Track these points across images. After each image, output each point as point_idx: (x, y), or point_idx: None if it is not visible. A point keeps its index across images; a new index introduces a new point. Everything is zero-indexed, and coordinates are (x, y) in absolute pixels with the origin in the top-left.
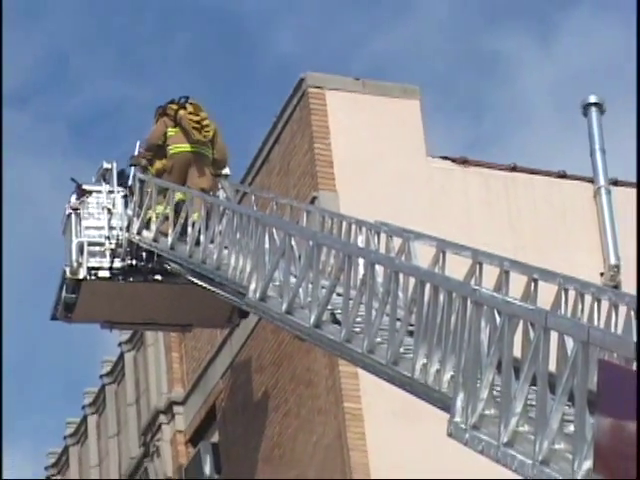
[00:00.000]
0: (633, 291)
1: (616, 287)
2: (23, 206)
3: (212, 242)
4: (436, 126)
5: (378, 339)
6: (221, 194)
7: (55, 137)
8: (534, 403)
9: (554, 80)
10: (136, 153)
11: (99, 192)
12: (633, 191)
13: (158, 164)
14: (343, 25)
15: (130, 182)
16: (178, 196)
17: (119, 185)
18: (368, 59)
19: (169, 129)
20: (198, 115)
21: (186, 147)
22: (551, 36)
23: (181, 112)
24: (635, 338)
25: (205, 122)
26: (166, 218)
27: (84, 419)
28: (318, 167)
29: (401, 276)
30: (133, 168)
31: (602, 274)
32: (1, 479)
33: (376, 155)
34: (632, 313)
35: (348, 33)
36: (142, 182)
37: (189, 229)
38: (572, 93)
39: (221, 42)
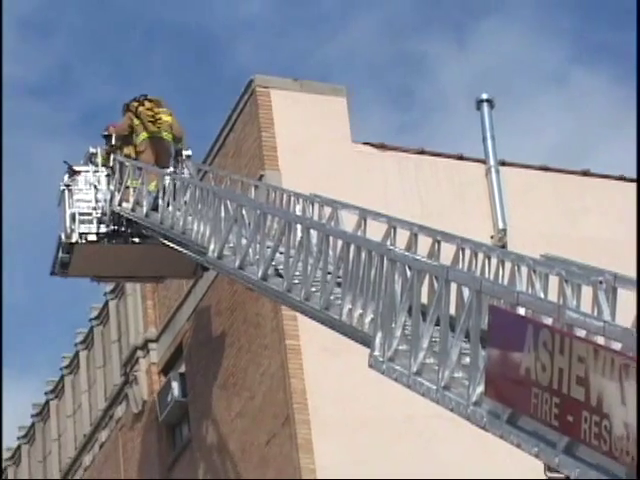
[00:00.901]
0: (520, 251)
1: (503, 247)
2: (37, 179)
3: (179, 210)
4: (371, 115)
5: (313, 289)
6: (186, 172)
7: (66, 124)
8: (438, 340)
9: (468, 77)
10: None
11: (87, 172)
12: (517, 170)
13: (126, 150)
14: (292, 38)
15: (111, 163)
16: (151, 175)
17: (102, 166)
18: (315, 63)
19: (134, 121)
20: (153, 110)
21: (145, 135)
22: (467, 40)
23: (140, 108)
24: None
25: (158, 115)
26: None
27: (76, 354)
28: (264, 151)
29: (331, 238)
30: (112, 153)
31: (492, 237)
32: (1, 479)
33: (311, 141)
34: (516, 268)
35: (296, 44)
36: (121, 164)
37: (159, 201)
38: (481, 89)
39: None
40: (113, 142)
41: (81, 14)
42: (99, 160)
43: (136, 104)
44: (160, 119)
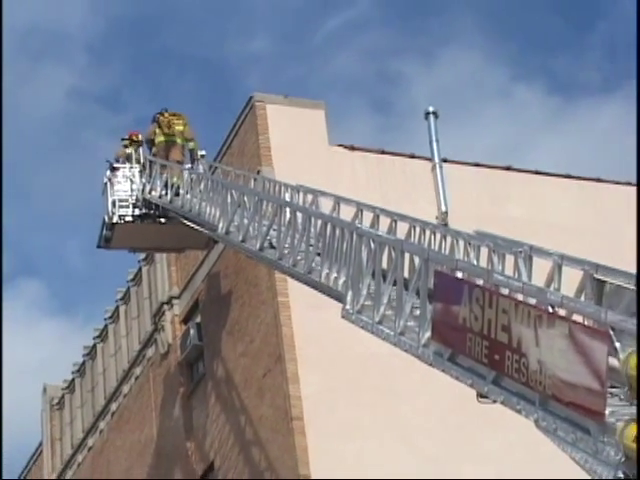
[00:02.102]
0: (458, 228)
1: (445, 225)
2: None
3: (195, 197)
4: (357, 121)
5: (298, 257)
6: (201, 168)
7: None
8: (395, 297)
9: (434, 91)
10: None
11: (124, 168)
12: (457, 165)
13: (153, 150)
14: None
15: (142, 161)
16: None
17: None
18: (311, 82)
19: (156, 129)
20: (169, 120)
21: (161, 139)
22: (433, 62)
23: (161, 118)
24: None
25: (172, 124)
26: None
27: (117, 308)
28: (261, 151)
29: (312, 219)
30: (142, 151)
31: (436, 217)
32: (1, 479)
33: (297, 144)
34: (455, 241)
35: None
36: (151, 162)
37: (180, 190)
38: (443, 100)
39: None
40: (140, 143)
41: (132, 47)
42: (132, 159)
43: (159, 115)
44: (173, 127)
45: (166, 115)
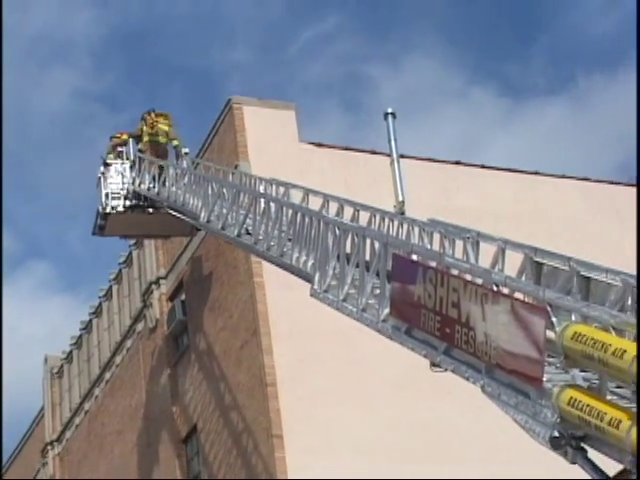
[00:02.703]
0: (413, 216)
1: (402, 214)
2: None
3: (180, 190)
4: (330, 120)
5: (272, 243)
6: (184, 163)
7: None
8: (357, 278)
9: (400, 93)
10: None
11: (116, 164)
12: (413, 160)
13: (140, 145)
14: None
15: (132, 157)
16: (161, 165)
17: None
18: (290, 86)
19: (143, 127)
20: (154, 121)
21: (146, 138)
22: (399, 67)
23: (147, 117)
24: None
25: (157, 124)
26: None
27: (110, 287)
28: (239, 148)
29: (284, 208)
30: (132, 148)
31: (394, 207)
32: (1, 479)
33: (270, 141)
34: (410, 228)
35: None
36: (140, 158)
37: (167, 182)
38: (408, 101)
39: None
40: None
41: (129, 53)
42: (124, 156)
43: (146, 115)
44: (156, 127)
45: (152, 115)
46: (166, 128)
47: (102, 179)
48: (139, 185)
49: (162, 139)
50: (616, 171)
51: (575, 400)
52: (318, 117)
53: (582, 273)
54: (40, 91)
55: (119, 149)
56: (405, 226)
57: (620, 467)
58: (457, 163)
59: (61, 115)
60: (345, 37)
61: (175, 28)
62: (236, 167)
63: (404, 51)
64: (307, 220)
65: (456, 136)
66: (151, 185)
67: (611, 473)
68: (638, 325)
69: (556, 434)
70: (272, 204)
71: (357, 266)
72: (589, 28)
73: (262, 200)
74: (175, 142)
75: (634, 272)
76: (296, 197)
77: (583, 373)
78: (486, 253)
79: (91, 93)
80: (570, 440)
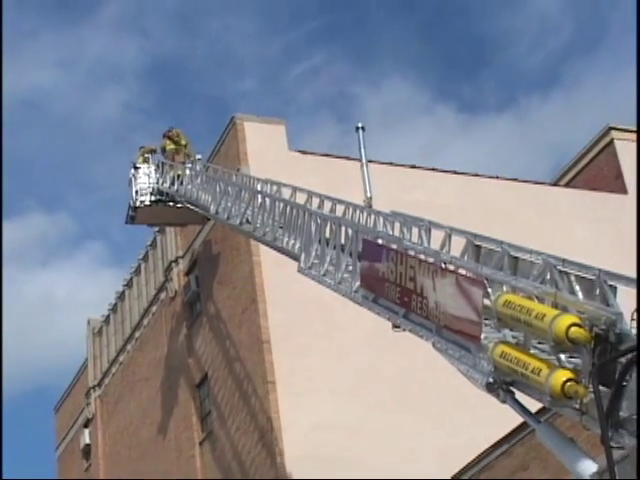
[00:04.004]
0: (379, 209)
1: (370, 207)
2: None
3: (194, 187)
4: (320, 131)
5: (267, 229)
6: (198, 167)
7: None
8: (334, 257)
9: (379, 108)
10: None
11: (143, 167)
12: (378, 165)
13: (165, 154)
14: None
15: (156, 162)
16: (179, 168)
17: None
18: (290, 106)
19: (167, 141)
20: (171, 135)
21: (172, 147)
22: (379, 88)
23: (170, 133)
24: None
25: (176, 138)
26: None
27: (139, 265)
28: (240, 155)
29: (276, 203)
30: (157, 155)
31: (364, 201)
32: (1, 479)
33: (265, 150)
34: (377, 218)
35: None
36: (163, 162)
37: (184, 182)
38: (386, 115)
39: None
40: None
41: (164, 77)
42: (150, 161)
43: (168, 131)
44: (178, 138)
45: (174, 131)
46: (184, 142)
47: (133, 179)
48: (162, 184)
49: (179, 148)
50: (549, 172)
51: (506, 353)
52: (314, 128)
53: (511, 254)
54: (96, 103)
55: (146, 156)
56: (372, 217)
57: (539, 405)
58: (413, 167)
59: (112, 124)
60: (332, 67)
61: (197, 62)
62: (238, 170)
63: (383, 75)
64: (295, 212)
65: (423, 143)
66: (171, 184)
67: (533, 409)
68: (638, 323)
69: (491, 380)
70: (267, 199)
71: (334, 248)
72: (526, 60)
73: (259, 196)
74: (188, 150)
75: (552, 252)
76: (286, 194)
77: (512, 332)
78: (436, 238)
79: (135, 107)
80: (502, 385)
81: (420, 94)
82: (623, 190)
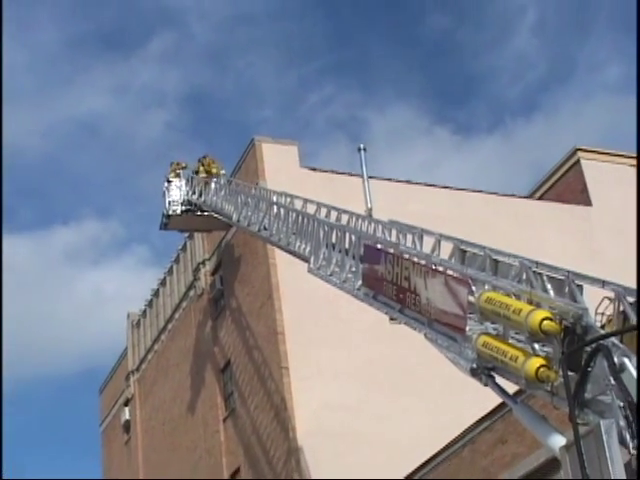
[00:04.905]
0: (378, 218)
1: (370, 216)
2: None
3: (219, 199)
4: (337, 149)
5: (282, 235)
6: (222, 181)
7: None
8: (340, 260)
9: (386, 130)
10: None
11: (175, 181)
12: (377, 180)
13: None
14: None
15: (187, 177)
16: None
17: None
18: (305, 129)
19: (200, 166)
20: (204, 162)
21: (203, 175)
22: (382, 113)
23: (204, 160)
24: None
25: (207, 167)
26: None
27: (171, 266)
28: (259, 172)
29: (290, 212)
30: (186, 171)
31: (365, 211)
32: (1, 479)
33: (280, 167)
34: (376, 226)
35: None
36: (192, 177)
37: (210, 194)
38: (392, 136)
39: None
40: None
41: (198, 103)
42: (181, 176)
43: (202, 158)
44: (209, 166)
45: (207, 159)
46: (214, 171)
47: (166, 192)
48: (191, 196)
49: (210, 179)
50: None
51: (487, 343)
52: (329, 148)
53: (492, 257)
54: (142, 125)
55: (177, 171)
56: (372, 225)
57: (516, 388)
58: (408, 182)
59: (155, 143)
60: (343, 95)
61: (225, 92)
62: (257, 184)
63: (388, 102)
64: (305, 220)
65: (422, 160)
66: (199, 196)
67: (510, 391)
68: (638, 324)
69: (474, 366)
70: (281, 209)
71: (340, 252)
72: (509, 90)
73: (274, 207)
74: (217, 171)
75: (527, 256)
76: (298, 205)
77: (493, 325)
78: (427, 243)
79: (177, 127)
80: (484, 370)
81: (420, 118)
82: (588, 202)
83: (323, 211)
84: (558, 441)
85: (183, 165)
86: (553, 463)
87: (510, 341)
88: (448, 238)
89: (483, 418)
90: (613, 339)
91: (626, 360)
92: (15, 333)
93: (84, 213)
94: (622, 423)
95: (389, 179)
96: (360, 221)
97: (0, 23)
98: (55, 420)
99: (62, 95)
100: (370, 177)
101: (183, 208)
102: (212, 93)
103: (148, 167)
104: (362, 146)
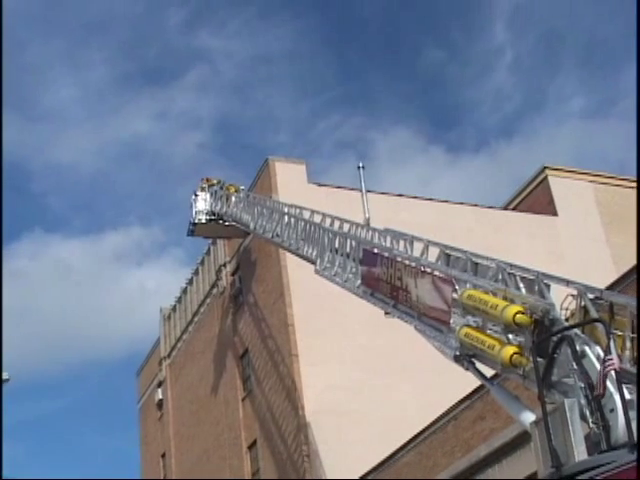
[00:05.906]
0: (375, 226)
1: (368, 224)
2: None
3: (239, 210)
4: (344, 166)
5: (292, 241)
6: (242, 195)
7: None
8: (342, 262)
9: (387, 149)
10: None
11: (201, 194)
12: (374, 194)
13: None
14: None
15: (212, 191)
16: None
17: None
18: (318, 150)
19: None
20: (227, 187)
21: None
22: (387, 134)
23: (225, 184)
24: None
25: (227, 187)
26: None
27: (197, 268)
28: (272, 186)
29: (299, 221)
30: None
31: (364, 220)
32: (1, 479)
33: (289, 182)
34: (373, 234)
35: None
36: (215, 191)
37: (231, 206)
38: (392, 154)
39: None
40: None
41: (228, 129)
42: (206, 190)
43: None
44: (229, 189)
45: (228, 183)
46: (232, 190)
47: (193, 203)
48: (214, 207)
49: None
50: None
51: (468, 334)
52: (338, 165)
53: (473, 260)
54: (179, 145)
55: (203, 186)
56: (370, 232)
57: (493, 372)
58: (400, 195)
59: (190, 160)
60: (351, 119)
61: (246, 119)
62: (270, 197)
63: (390, 125)
64: (312, 228)
65: (419, 175)
66: (221, 207)
67: (488, 375)
68: (639, 324)
69: (457, 353)
70: (292, 219)
71: (342, 255)
72: (489, 118)
73: (286, 217)
74: (235, 189)
75: (502, 259)
76: (305, 215)
77: (473, 318)
78: (417, 248)
79: (209, 146)
80: (465, 357)
81: (418, 139)
82: (554, 213)
83: (328, 220)
84: (529, 417)
85: (214, 182)
86: (524, 436)
87: (488, 332)
88: (435, 244)
89: (465, 398)
90: (576, 330)
91: (587, 348)
92: (70, 323)
93: (130, 221)
94: (583, 401)
95: (384, 193)
96: (359, 229)
97: (0, 23)
98: (102, 399)
99: (111, 121)
100: (368, 191)
101: (207, 217)
102: (236, 120)
103: (183, 182)
104: (361, 164)
